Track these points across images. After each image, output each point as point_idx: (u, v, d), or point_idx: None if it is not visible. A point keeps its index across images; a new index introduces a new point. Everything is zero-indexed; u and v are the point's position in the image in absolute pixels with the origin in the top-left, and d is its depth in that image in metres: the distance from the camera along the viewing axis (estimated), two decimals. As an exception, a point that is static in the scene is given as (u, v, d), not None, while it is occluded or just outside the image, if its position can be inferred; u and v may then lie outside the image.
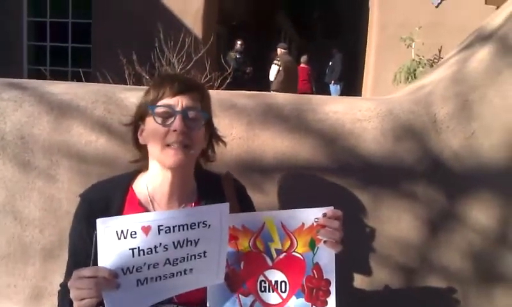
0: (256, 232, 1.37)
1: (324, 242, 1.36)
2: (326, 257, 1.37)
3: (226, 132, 1.87)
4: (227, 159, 1.87)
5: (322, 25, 19.59)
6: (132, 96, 1.98)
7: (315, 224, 1.35)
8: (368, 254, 1.88)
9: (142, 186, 1.45)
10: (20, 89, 2.06)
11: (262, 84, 9.44)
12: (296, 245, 1.37)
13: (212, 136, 1.52)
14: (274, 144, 1.89)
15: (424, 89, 1.97)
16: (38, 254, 2.06)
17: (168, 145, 1.33)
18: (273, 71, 9.60)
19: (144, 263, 1.20)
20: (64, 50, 10.55)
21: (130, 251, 1.18)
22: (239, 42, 9.85)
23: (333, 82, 11.68)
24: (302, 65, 11.27)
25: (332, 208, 1.36)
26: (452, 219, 1.84)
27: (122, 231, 1.17)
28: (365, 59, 10.27)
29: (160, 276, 1.23)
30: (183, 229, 1.21)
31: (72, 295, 1.18)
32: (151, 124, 1.36)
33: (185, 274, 1.26)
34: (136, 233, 1.18)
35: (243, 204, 1.53)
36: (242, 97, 1.98)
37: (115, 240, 1.17)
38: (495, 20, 2.03)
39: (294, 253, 1.38)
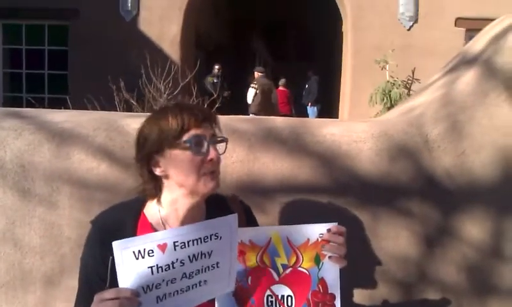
0: (263, 247, 1.41)
1: (329, 257, 1.40)
2: (331, 272, 1.41)
3: (228, 156, 1.92)
4: (229, 182, 1.92)
5: (296, 48, 19.88)
6: (133, 122, 2.01)
7: (319, 239, 1.39)
8: (368, 270, 1.93)
9: (154, 210, 1.46)
10: (20, 118, 2.08)
11: (240, 107, 9.54)
12: (301, 261, 1.41)
13: None
14: (274, 166, 1.94)
15: (415, 110, 2.06)
16: (38, 282, 2.06)
17: (204, 174, 1.37)
18: (250, 94, 9.75)
19: (163, 280, 1.24)
20: (40, 77, 10.47)
21: (149, 269, 1.22)
22: (216, 66, 9.97)
23: (310, 104, 11.86)
24: (280, 88, 11.42)
25: (336, 224, 1.41)
26: (446, 234, 1.91)
27: (139, 251, 1.21)
28: (340, 81, 10.49)
29: (177, 290, 1.28)
30: (197, 243, 1.27)
31: None
32: (182, 155, 1.36)
33: (200, 285, 1.31)
34: (153, 252, 1.22)
35: (250, 224, 1.59)
36: (242, 122, 2.04)
37: (133, 260, 1.21)
38: (477, 44, 2.14)
39: (299, 268, 1.41)
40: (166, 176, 1.40)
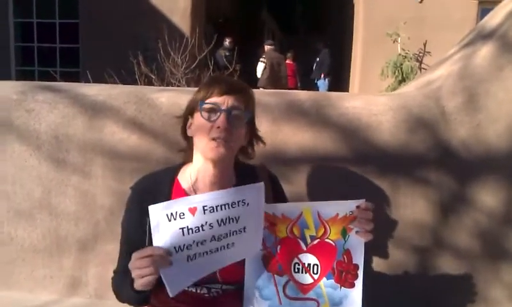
0: (294, 220, 1.49)
1: (356, 232, 1.47)
2: (356, 244, 1.48)
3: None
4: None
5: (306, 21, 19.73)
6: (162, 96, 2.10)
7: (348, 215, 1.46)
8: (386, 237, 2.03)
9: (186, 176, 1.57)
10: (54, 91, 2.18)
11: (250, 79, 9.56)
12: (329, 233, 1.48)
13: (253, 136, 1.64)
14: (296, 138, 2.03)
15: (432, 84, 2.13)
16: (73, 247, 2.18)
17: (212, 139, 1.45)
18: (260, 68, 9.78)
19: (193, 241, 1.33)
20: (52, 50, 10.52)
21: (180, 230, 1.31)
22: (228, 40, 9.91)
23: (322, 76, 11.82)
24: (287, 61, 11.39)
25: (364, 200, 1.46)
26: (461, 202, 2.00)
27: (172, 214, 1.30)
28: (351, 54, 10.45)
29: (207, 251, 1.36)
30: (225, 208, 1.35)
31: (133, 275, 1.31)
32: (199, 119, 1.48)
33: (227, 248, 1.39)
34: (184, 214, 1.31)
35: (277, 192, 1.68)
36: (266, 95, 2.12)
37: (166, 222, 1.30)
38: (494, 19, 2.20)
39: (326, 240, 1.49)
40: (193, 139, 1.53)
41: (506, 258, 2.02)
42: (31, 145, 2.13)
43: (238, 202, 1.37)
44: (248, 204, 1.39)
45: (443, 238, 2.02)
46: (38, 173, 2.14)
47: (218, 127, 1.44)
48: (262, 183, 1.43)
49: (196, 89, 1.58)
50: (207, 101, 1.47)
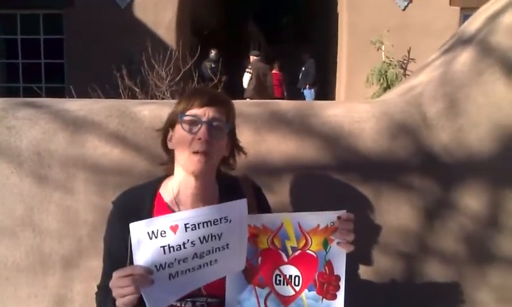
0: (275, 231, 1.49)
1: (337, 243, 1.47)
2: (338, 256, 1.48)
3: (234, 138, 2.01)
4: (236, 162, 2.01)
5: (292, 31, 19.85)
6: (144, 109, 2.09)
7: (329, 226, 1.46)
8: (371, 244, 2.03)
9: (168, 190, 1.56)
10: (35, 107, 2.16)
11: (236, 91, 9.57)
12: (310, 244, 1.48)
13: (234, 146, 1.64)
14: (279, 147, 2.03)
15: (413, 90, 2.15)
16: (57, 264, 2.14)
17: (193, 153, 1.45)
18: (246, 78, 9.80)
19: (175, 259, 1.32)
20: (37, 66, 10.47)
21: (162, 248, 1.30)
22: (213, 51, 9.96)
23: (307, 86, 11.88)
24: (274, 71, 11.45)
25: (345, 211, 1.46)
26: (445, 207, 2.01)
27: (153, 232, 1.30)
28: (336, 63, 10.52)
29: (189, 269, 1.36)
30: (207, 226, 1.35)
31: (114, 294, 1.30)
32: (179, 131, 1.48)
33: (211, 265, 1.39)
34: (165, 232, 1.30)
35: (260, 202, 1.68)
36: (248, 105, 2.13)
37: (147, 240, 1.30)
38: (473, 24, 2.22)
39: (308, 251, 1.49)
40: (174, 152, 1.53)
41: (492, 261, 2.02)
42: (12, 162, 2.10)
43: (220, 219, 1.37)
44: (230, 221, 1.39)
45: (428, 244, 2.02)
46: (20, 190, 2.11)
47: (199, 139, 1.44)
48: (244, 200, 1.42)
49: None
50: (188, 113, 1.47)
